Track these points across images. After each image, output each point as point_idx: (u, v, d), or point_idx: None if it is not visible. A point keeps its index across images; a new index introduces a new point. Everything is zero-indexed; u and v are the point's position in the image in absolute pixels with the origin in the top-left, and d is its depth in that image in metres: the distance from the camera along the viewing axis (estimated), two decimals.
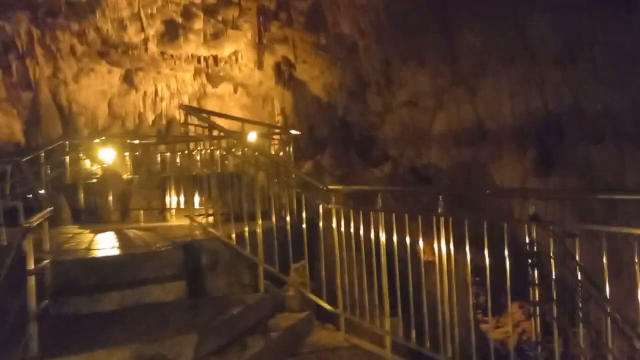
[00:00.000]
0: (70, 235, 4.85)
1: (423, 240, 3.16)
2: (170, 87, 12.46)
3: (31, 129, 13.33)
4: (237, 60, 10.69)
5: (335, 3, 9.19)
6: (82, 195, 6.90)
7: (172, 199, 6.09)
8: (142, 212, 6.39)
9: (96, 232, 5.03)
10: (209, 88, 12.03)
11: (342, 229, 3.68)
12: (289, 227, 4.05)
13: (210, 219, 4.45)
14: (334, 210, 3.68)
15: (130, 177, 7.86)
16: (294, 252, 4.02)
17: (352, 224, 3.66)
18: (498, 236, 2.65)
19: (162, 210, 6.26)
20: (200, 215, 4.53)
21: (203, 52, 10.58)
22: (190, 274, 3.69)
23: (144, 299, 3.45)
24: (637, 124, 6.61)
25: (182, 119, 4.50)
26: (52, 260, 3.16)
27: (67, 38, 11.32)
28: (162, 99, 13.03)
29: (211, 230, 4.12)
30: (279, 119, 11.39)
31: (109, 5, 9.91)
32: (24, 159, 5.51)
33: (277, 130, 6.84)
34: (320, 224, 3.90)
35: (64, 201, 6.59)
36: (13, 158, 5.65)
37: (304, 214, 3.99)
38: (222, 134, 4.51)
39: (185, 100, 12.32)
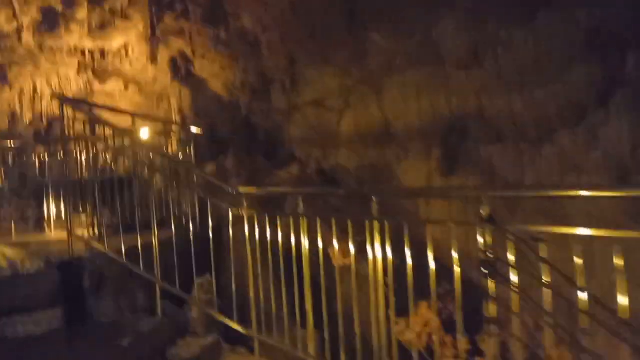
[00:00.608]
0: None
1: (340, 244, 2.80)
2: (52, 83, 11.13)
3: None
4: (127, 53, 9.77)
5: None
6: None
7: (51, 209, 5.26)
8: (13, 224, 5.46)
9: None
10: (96, 85, 10.91)
11: (256, 237, 3.21)
12: (191, 236, 3.52)
13: (96, 231, 3.79)
14: (245, 216, 3.21)
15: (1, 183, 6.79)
16: (198, 265, 3.50)
17: (266, 231, 3.21)
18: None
19: (39, 222, 5.39)
20: (82, 227, 3.84)
21: (88, 44, 9.55)
22: (69, 299, 3.03)
23: (7, 333, 2.76)
24: (535, 125, 6.84)
25: (60, 113, 3.81)
26: None
27: None
28: (41, 97, 11.66)
29: (96, 244, 3.47)
30: (176, 118, 10.60)
31: None
32: None
33: (175, 128, 6.19)
34: (230, 231, 3.41)
35: None
36: None
37: (209, 221, 3.49)
38: (108, 130, 3.86)
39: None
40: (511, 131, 7.08)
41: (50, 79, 11.06)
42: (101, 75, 10.66)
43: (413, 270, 2.45)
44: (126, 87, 10.99)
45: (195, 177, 3.94)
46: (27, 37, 9.54)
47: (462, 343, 2.19)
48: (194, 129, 5.67)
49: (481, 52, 7.14)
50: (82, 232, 3.70)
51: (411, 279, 2.47)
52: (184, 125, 7.71)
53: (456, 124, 7.58)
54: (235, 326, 3.23)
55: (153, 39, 9.41)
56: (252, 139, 10.37)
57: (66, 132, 4.43)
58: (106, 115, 4.49)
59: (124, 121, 4.97)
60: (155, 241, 3.38)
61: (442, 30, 7.37)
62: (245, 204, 3.19)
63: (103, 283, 3.15)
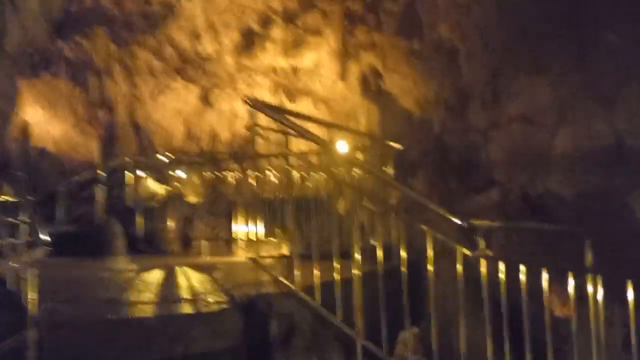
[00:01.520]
0: (104, 274, 3.78)
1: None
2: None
3: (107, 149, 13.05)
4: (318, 71, 9.62)
5: (433, 2, 7.90)
6: (141, 221, 5.95)
7: (241, 229, 4.97)
8: (205, 243, 5.31)
9: (143, 269, 3.96)
10: (287, 105, 11.05)
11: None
12: (403, 273, 2.72)
13: (284, 260, 3.22)
14: (482, 259, 2.33)
15: (197, 201, 6.88)
16: (394, 311, 2.70)
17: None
18: None
19: (228, 242, 5.14)
20: (269, 257, 3.30)
21: (281, 62, 9.64)
22: (252, 349, 2.44)
23: None
24: None
25: (249, 120, 3.39)
26: (42, 328, 2.01)
27: (145, 54, 10.86)
28: (237, 117, 12.26)
29: (284, 281, 2.86)
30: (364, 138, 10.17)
31: (183, 14, 9.23)
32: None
33: (368, 144, 5.57)
34: (460, 272, 2.55)
35: (118, 228, 5.66)
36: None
37: (429, 253, 2.68)
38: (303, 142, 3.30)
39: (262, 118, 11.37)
40: None
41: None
42: (292, 94, 10.75)
43: None
44: (315, 106, 10.91)
45: (405, 200, 3.16)
46: (227, 58, 9.98)
47: None
48: (394, 144, 4.95)
49: None
50: (269, 262, 3.17)
51: None
52: (378, 142, 7.08)
53: None
54: None
55: (344, 54, 9.11)
56: (444, 160, 9.47)
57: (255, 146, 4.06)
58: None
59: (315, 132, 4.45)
60: (356, 275, 2.65)
61: None
62: (482, 243, 2.31)
63: (292, 332, 2.51)
